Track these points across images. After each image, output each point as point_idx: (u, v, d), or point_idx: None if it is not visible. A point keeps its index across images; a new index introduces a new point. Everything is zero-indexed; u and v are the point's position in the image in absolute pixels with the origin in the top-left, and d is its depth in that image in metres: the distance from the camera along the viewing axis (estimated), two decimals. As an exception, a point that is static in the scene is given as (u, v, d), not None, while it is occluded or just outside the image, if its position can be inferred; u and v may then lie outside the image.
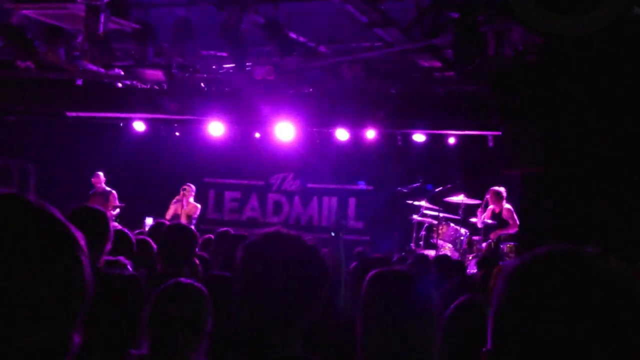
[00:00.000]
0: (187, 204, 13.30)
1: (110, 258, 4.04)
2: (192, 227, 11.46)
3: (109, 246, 3.89)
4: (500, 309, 1.22)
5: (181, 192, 13.36)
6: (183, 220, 12.62)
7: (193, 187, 13.60)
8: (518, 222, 11.34)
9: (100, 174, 13.41)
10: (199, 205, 13.67)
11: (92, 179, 13.41)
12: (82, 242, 1.22)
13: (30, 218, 1.17)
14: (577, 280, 1.15)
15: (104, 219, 3.93)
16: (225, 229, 6.68)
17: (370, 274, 2.72)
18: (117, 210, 13.05)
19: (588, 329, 1.11)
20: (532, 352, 1.15)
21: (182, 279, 3.26)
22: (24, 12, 8.56)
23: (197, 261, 5.17)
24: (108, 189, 13.37)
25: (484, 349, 1.24)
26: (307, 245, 2.15)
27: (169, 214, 13.04)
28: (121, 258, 4.24)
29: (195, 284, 3.21)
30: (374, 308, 2.60)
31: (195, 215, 13.45)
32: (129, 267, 4.21)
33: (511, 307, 1.20)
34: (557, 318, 1.13)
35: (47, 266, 1.14)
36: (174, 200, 13.37)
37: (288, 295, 2.06)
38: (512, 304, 1.20)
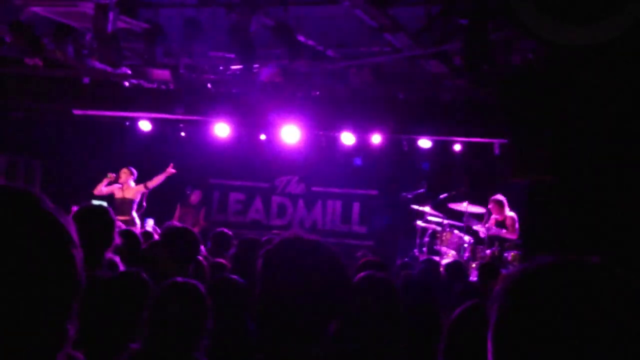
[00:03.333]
0: (126, 188, 12.89)
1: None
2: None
3: (115, 241, 3.93)
4: (502, 323, 1.17)
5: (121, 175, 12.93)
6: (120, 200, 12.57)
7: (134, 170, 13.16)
8: (518, 231, 11.39)
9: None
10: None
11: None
12: (74, 235, 1.20)
13: (17, 211, 1.15)
14: (583, 295, 1.11)
15: (107, 216, 3.96)
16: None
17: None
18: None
19: (597, 344, 1.08)
20: None
21: (180, 278, 3.28)
22: (33, 9, 8.56)
23: (204, 262, 5.18)
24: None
25: None
26: (327, 250, 2.11)
27: (103, 190, 12.76)
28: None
29: (193, 282, 3.22)
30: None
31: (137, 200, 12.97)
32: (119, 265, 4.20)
33: (514, 323, 1.15)
34: (563, 334, 1.09)
35: (37, 259, 1.13)
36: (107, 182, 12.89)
37: (309, 301, 2.04)
38: (516, 319, 1.16)
